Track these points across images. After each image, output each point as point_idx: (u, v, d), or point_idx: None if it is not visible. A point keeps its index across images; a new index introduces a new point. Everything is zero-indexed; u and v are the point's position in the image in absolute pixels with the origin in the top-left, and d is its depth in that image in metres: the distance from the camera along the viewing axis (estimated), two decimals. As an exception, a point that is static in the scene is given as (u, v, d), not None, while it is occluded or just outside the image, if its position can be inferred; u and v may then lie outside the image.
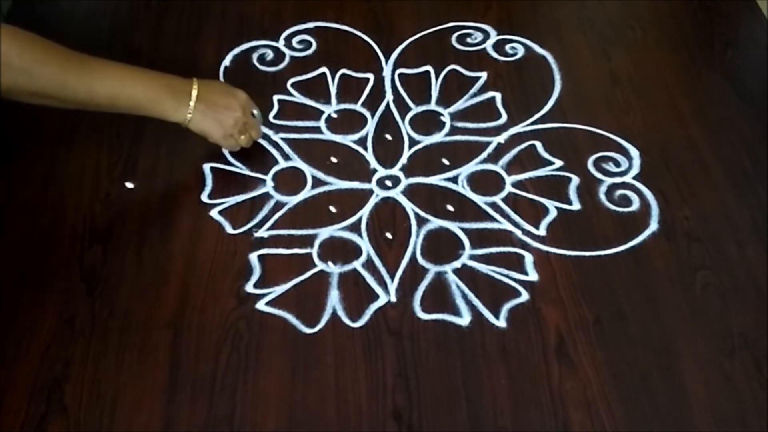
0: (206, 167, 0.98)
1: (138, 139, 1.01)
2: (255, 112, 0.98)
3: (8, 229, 0.91)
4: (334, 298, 0.86)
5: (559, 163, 1.00)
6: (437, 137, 1.03)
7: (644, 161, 1.00)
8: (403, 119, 1.05)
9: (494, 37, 1.16)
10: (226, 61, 1.12)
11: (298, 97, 1.07)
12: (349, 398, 0.78)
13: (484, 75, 1.11)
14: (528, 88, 1.09)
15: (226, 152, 1.00)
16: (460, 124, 1.04)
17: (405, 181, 0.97)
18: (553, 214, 0.94)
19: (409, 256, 0.90)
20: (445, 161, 1.00)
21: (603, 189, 0.97)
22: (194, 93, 0.90)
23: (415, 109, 1.06)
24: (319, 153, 1.01)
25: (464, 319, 0.84)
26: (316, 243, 0.91)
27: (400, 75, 1.11)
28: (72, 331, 0.82)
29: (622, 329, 0.84)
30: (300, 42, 1.15)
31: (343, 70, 1.11)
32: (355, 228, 0.92)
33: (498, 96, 1.08)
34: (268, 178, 0.97)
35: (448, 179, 0.98)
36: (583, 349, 0.82)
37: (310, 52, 1.14)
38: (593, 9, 1.22)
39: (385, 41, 1.15)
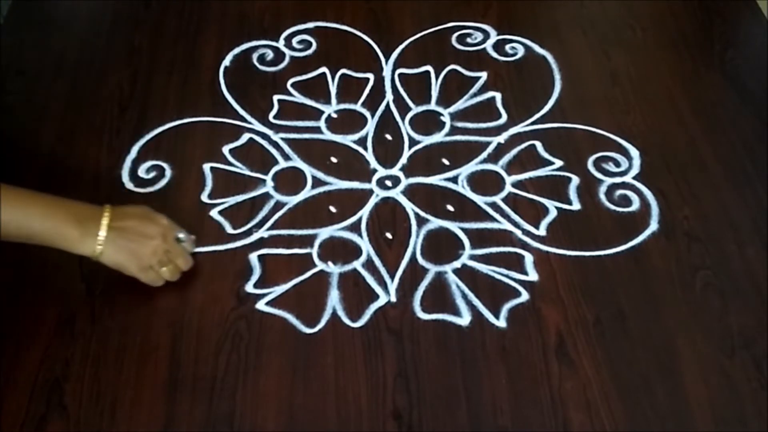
0: (206, 167, 0.98)
1: (138, 139, 1.01)
2: (181, 236, 0.86)
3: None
4: (334, 298, 0.86)
5: (559, 163, 1.00)
6: (437, 137, 1.03)
7: (644, 161, 1.00)
8: (403, 119, 1.05)
9: (494, 37, 1.16)
10: (226, 61, 1.12)
11: (298, 97, 1.07)
12: (349, 398, 0.78)
13: (484, 75, 1.11)
14: (528, 88, 1.09)
15: (226, 151, 1.00)
16: (460, 124, 1.04)
17: (405, 181, 0.97)
18: (553, 214, 0.94)
19: (409, 256, 0.90)
20: (445, 161, 1.00)
21: (603, 189, 0.97)
22: (104, 221, 0.79)
23: (415, 109, 1.06)
24: (319, 153, 1.01)
25: (464, 319, 0.84)
26: (316, 243, 0.91)
27: (400, 75, 1.11)
28: (72, 331, 0.82)
29: (622, 329, 0.84)
30: (300, 42, 1.15)
31: (343, 70, 1.11)
32: (355, 228, 0.92)
33: (498, 96, 1.08)
34: (268, 178, 0.97)
35: (448, 179, 0.98)
36: (583, 349, 0.82)
37: (310, 52, 1.14)
38: (593, 9, 1.22)
39: (385, 41, 1.15)
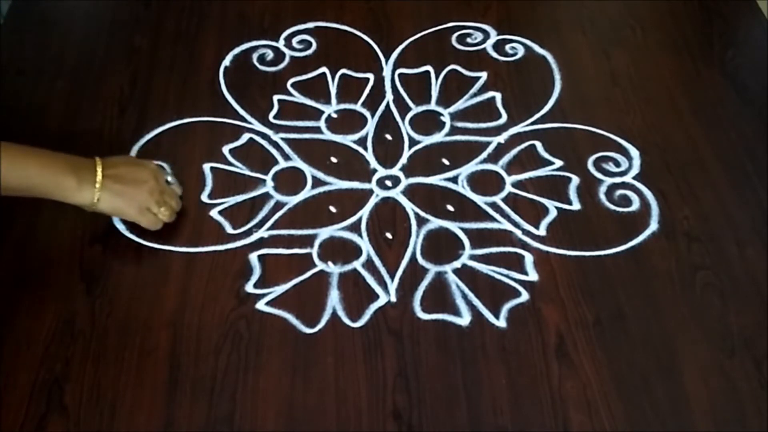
0: (206, 167, 0.98)
1: (138, 139, 1.01)
2: (170, 179, 0.91)
3: (8, 229, 0.91)
4: (334, 298, 0.86)
5: (559, 163, 1.00)
6: (437, 137, 1.03)
7: (644, 161, 1.00)
8: (403, 119, 1.05)
9: (494, 37, 1.16)
10: (226, 61, 1.12)
11: (298, 97, 1.07)
12: (349, 398, 0.78)
13: (484, 75, 1.11)
14: (528, 88, 1.09)
15: (226, 151, 1.00)
16: (460, 124, 1.04)
17: (405, 181, 0.97)
18: (553, 214, 0.94)
19: (409, 256, 0.90)
20: (445, 161, 1.00)
21: (603, 189, 0.97)
22: (99, 169, 0.83)
23: (415, 109, 1.06)
24: (319, 153, 1.01)
25: (464, 319, 0.84)
26: (316, 243, 0.91)
27: (400, 75, 1.11)
28: (72, 331, 0.82)
29: (622, 329, 0.84)
30: (300, 42, 1.15)
31: (343, 70, 1.11)
32: (355, 228, 0.92)
33: (498, 96, 1.08)
34: (268, 178, 0.97)
35: (448, 179, 0.98)
36: (583, 349, 0.82)
37: (310, 52, 1.14)
38: (593, 9, 1.22)
39: (385, 41, 1.15)
